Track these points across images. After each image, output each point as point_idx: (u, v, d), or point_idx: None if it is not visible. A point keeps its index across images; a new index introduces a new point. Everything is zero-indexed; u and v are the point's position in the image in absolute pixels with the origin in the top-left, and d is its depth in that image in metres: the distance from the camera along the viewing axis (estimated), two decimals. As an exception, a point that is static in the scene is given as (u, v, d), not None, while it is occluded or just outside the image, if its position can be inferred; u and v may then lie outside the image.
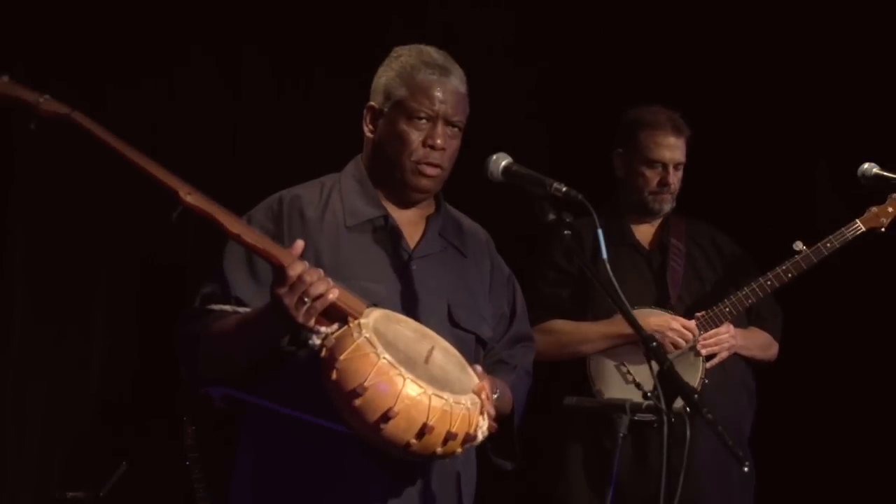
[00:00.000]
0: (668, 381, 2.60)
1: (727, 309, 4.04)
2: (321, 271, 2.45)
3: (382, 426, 2.40)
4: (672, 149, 4.12)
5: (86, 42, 4.51)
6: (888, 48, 4.76)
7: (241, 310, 2.58)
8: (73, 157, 4.47)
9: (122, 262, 4.61)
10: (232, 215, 2.52)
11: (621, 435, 2.76)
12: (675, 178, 4.13)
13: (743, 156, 4.92)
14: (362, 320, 2.46)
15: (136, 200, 4.55)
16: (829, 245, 4.00)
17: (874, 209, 4.05)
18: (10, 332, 4.45)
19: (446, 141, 2.73)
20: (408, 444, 2.41)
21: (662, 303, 4.08)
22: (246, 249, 2.54)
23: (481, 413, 2.50)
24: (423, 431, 2.40)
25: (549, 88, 5.03)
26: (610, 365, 3.99)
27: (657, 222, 4.23)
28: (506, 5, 5.03)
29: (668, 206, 4.17)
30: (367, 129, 2.78)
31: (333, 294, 2.44)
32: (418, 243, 2.76)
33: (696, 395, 2.60)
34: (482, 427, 2.50)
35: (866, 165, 3.87)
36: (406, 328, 2.56)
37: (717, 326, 4.04)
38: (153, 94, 4.65)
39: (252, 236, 2.50)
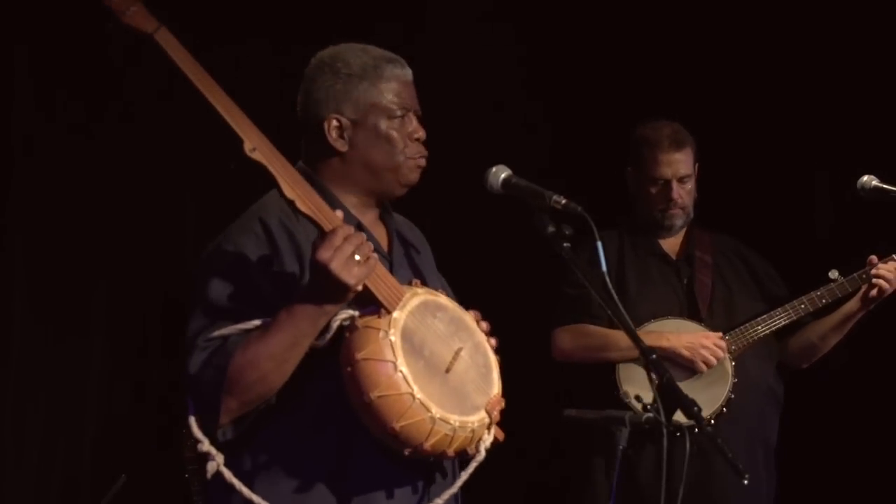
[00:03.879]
0: (669, 394, 2.59)
1: (759, 327, 4.05)
2: (364, 235, 2.39)
3: (381, 434, 2.40)
4: (673, 164, 4.13)
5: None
6: (887, 59, 4.77)
7: (255, 323, 2.43)
8: (71, 162, 4.49)
9: (122, 272, 4.61)
10: (295, 176, 2.43)
11: (621, 448, 2.75)
12: (681, 192, 4.14)
13: (742, 167, 4.93)
14: (395, 314, 2.42)
15: (137, 206, 4.59)
16: (864, 276, 4.01)
17: None
18: (10, 346, 4.44)
19: (422, 129, 2.69)
20: (403, 453, 2.42)
21: (693, 315, 4.08)
22: (217, 268, 2.46)
23: (488, 428, 2.50)
24: (417, 450, 2.41)
25: (552, 96, 5.04)
26: (640, 371, 3.98)
27: (680, 235, 4.24)
28: (508, 19, 5.04)
29: (679, 221, 4.18)
30: (338, 145, 2.62)
31: (376, 259, 2.38)
32: (390, 247, 2.71)
33: (696, 408, 2.59)
34: (485, 442, 2.50)
35: (865, 178, 3.87)
36: (442, 320, 2.51)
37: (747, 344, 4.04)
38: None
39: (306, 204, 2.41)
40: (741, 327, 4.06)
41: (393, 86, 2.63)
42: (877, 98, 4.77)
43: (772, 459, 4.12)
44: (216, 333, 2.42)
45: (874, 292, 3.98)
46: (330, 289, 2.36)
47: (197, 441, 2.41)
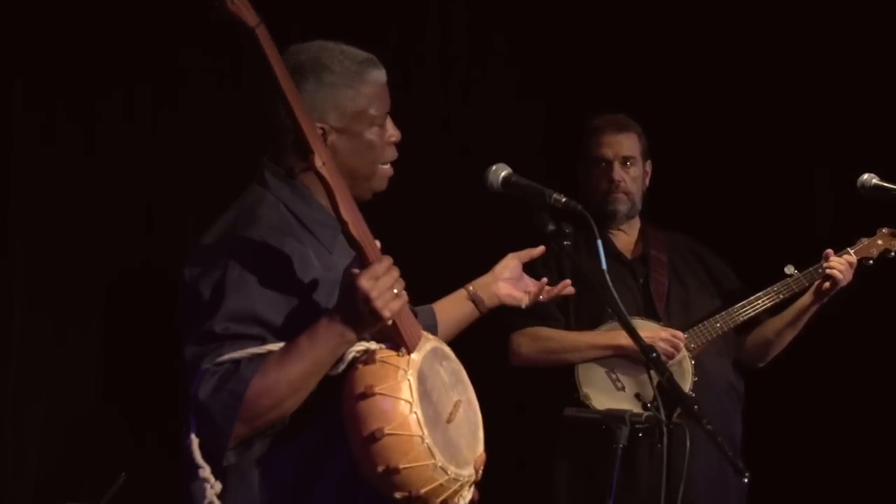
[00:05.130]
0: (669, 391, 2.60)
1: (718, 324, 4.05)
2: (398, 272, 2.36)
3: (377, 471, 2.32)
4: (614, 145, 4.15)
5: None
6: (887, 56, 4.76)
7: (272, 346, 2.35)
8: (70, 163, 4.48)
9: (122, 273, 4.61)
10: (351, 201, 2.38)
11: (621, 446, 2.75)
12: (622, 175, 4.14)
13: (742, 165, 4.92)
14: (413, 356, 2.38)
15: (138, 206, 4.59)
16: (820, 271, 4.02)
17: (865, 240, 4.08)
18: (10, 345, 4.44)
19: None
20: (395, 496, 2.34)
21: (650, 315, 4.08)
22: (230, 296, 2.36)
23: (470, 485, 2.45)
24: (410, 496, 2.34)
25: (548, 97, 5.04)
26: (600, 371, 4.00)
27: (634, 232, 4.24)
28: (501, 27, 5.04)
29: (623, 207, 4.17)
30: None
31: (406, 297, 2.35)
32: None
33: (696, 406, 2.60)
34: (464, 498, 2.43)
35: (866, 176, 3.87)
36: (446, 369, 2.49)
37: (706, 341, 4.04)
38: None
39: (357, 229, 2.36)
40: (700, 325, 4.06)
41: (374, 90, 2.56)
42: (877, 95, 4.77)
43: (738, 456, 4.11)
44: (226, 357, 2.33)
45: (826, 285, 3.99)
46: (362, 319, 2.31)
47: (198, 467, 2.33)
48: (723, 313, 4.07)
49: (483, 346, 3.87)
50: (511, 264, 2.97)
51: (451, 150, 4.76)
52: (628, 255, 4.20)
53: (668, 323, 4.05)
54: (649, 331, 3.96)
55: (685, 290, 4.16)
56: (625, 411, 2.95)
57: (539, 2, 5.04)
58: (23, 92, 4.43)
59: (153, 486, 4.32)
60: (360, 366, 2.35)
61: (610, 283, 2.64)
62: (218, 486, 2.35)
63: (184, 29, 4.49)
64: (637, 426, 2.80)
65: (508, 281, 2.97)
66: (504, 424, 4.22)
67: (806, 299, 4.06)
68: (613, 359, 3.99)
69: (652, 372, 2.55)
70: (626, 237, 4.23)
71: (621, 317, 2.68)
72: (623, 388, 3.98)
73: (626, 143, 4.16)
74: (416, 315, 2.52)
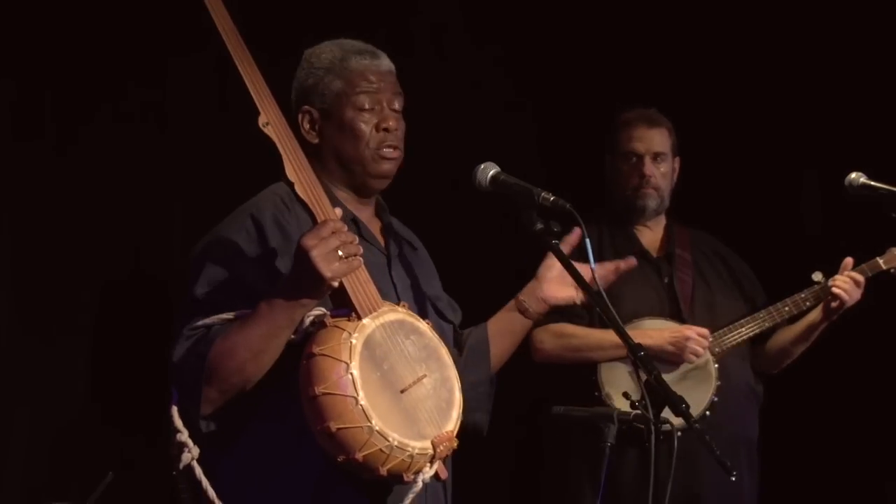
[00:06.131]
0: (657, 390, 2.59)
1: (743, 329, 4.03)
2: (357, 238, 2.41)
3: (318, 433, 2.37)
4: (646, 139, 4.13)
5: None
6: (875, 58, 4.77)
7: (242, 313, 2.44)
8: (54, 163, 4.48)
9: (110, 273, 4.60)
10: (303, 162, 2.49)
11: (609, 444, 2.75)
12: (653, 170, 4.12)
13: (730, 165, 4.93)
14: (365, 321, 2.42)
15: (125, 209, 4.58)
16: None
17: (894, 250, 4.05)
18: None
19: (397, 122, 2.68)
20: (337, 461, 2.39)
21: (674, 315, 4.06)
22: (205, 262, 2.49)
23: (431, 461, 2.44)
24: (350, 460, 2.37)
25: (539, 95, 5.04)
26: (623, 371, 3.97)
27: (659, 229, 4.21)
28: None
29: (653, 203, 4.14)
30: (310, 137, 2.67)
31: (360, 262, 2.39)
32: (387, 243, 2.72)
33: (684, 405, 2.60)
34: (425, 475, 2.43)
35: (853, 175, 3.85)
36: (415, 344, 2.49)
37: (731, 346, 4.02)
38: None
39: (303, 189, 2.47)
40: (725, 328, 4.05)
41: (360, 76, 2.65)
42: (865, 96, 4.78)
43: (755, 457, 4.11)
44: (200, 323, 2.44)
45: (835, 304, 3.98)
46: (307, 279, 2.36)
47: (176, 431, 2.42)
48: (748, 318, 4.05)
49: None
50: (553, 262, 2.85)
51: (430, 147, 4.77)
52: (654, 253, 4.17)
53: (692, 324, 4.02)
54: (674, 329, 3.97)
55: (709, 290, 4.14)
56: (613, 410, 2.94)
57: (531, 5, 5.04)
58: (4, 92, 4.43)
59: (140, 486, 4.33)
60: (313, 330, 2.41)
61: (598, 283, 2.63)
62: (196, 451, 2.43)
63: (171, 33, 4.49)
64: (624, 426, 2.79)
65: (553, 281, 2.87)
66: (524, 421, 4.26)
67: (816, 315, 4.03)
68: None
69: (641, 371, 2.55)
70: (652, 234, 4.20)
71: (609, 317, 2.68)
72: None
73: (658, 139, 4.14)
74: (458, 331, 2.66)
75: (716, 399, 3.97)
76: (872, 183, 3.82)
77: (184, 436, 2.43)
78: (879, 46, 4.77)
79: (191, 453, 2.43)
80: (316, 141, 2.67)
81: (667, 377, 3.89)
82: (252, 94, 2.46)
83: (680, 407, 2.55)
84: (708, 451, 2.59)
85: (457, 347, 2.80)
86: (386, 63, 2.70)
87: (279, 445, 2.49)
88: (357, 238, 2.42)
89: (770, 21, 4.91)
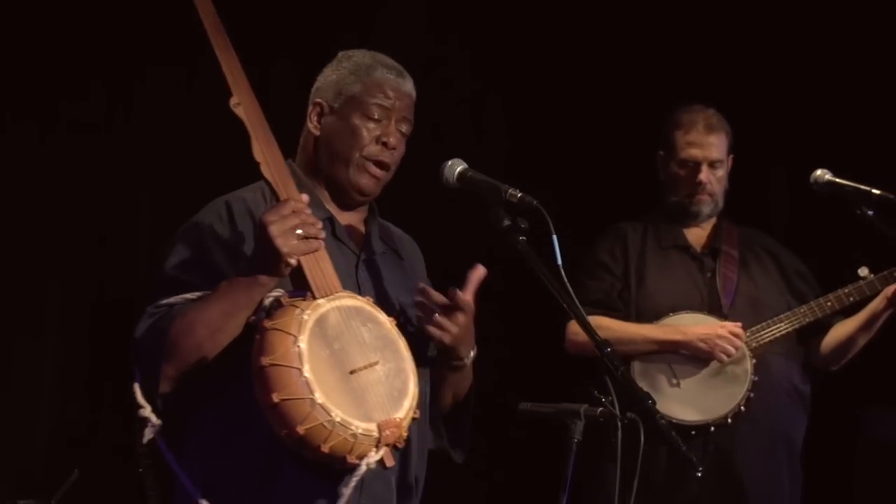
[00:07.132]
0: (624, 386, 2.60)
1: (782, 324, 4.00)
2: (320, 223, 2.44)
3: (265, 408, 2.36)
4: (704, 146, 4.09)
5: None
6: (843, 56, 4.80)
7: (201, 293, 2.48)
8: (23, 163, 4.45)
9: (74, 272, 4.58)
10: (271, 143, 2.52)
11: (575, 440, 2.75)
12: (710, 177, 4.09)
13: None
14: (320, 301, 2.43)
15: (91, 206, 4.55)
16: (895, 274, 3.95)
17: None
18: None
19: (398, 142, 2.71)
20: (282, 436, 2.38)
21: (714, 310, 4.03)
22: (176, 245, 2.54)
23: (376, 446, 2.42)
24: (291, 434, 2.35)
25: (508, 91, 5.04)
26: (657, 367, 3.96)
27: (708, 226, 4.19)
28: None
29: (707, 209, 4.13)
30: (312, 126, 2.73)
31: (320, 245, 2.42)
32: (363, 246, 2.74)
33: (651, 401, 2.60)
34: (369, 458, 2.40)
35: (819, 172, 3.87)
36: (371, 332, 2.49)
37: (769, 341, 3.98)
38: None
39: (270, 171, 2.50)
40: (763, 323, 4.01)
41: (380, 88, 2.70)
42: (832, 94, 4.80)
43: (797, 461, 4.05)
44: (164, 301, 2.48)
45: None
46: (265, 256, 2.39)
47: (139, 406, 2.43)
48: (788, 313, 4.01)
49: (534, 338, 3.83)
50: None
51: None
52: (698, 249, 4.15)
53: (733, 319, 3.99)
54: (707, 327, 3.94)
55: (754, 286, 4.10)
56: (580, 406, 2.94)
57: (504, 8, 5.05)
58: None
59: (106, 484, 4.31)
60: (271, 308, 2.44)
61: (565, 277, 2.63)
62: (157, 423, 2.44)
63: (143, 31, 4.48)
64: (590, 422, 2.79)
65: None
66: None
67: (878, 304, 3.97)
68: (673, 355, 3.95)
69: (609, 366, 2.56)
70: (699, 231, 4.18)
71: (577, 314, 2.67)
72: (678, 385, 3.94)
73: (716, 146, 4.10)
74: None
75: (752, 395, 3.92)
76: (837, 180, 3.84)
77: (146, 411, 2.44)
78: (847, 45, 4.79)
79: (153, 426, 2.43)
80: (317, 132, 2.73)
81: (702, 372, 3.95)
82: (226, 73, 2.50)
83: (645, 403, 2.56)
84: (669, 444, 2.59)
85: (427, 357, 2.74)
86: (409, 85, 2.75)
87: (233, 423, 2.51)
88: (320, 223, 2.45)
89: (736, 19, 4.92)
